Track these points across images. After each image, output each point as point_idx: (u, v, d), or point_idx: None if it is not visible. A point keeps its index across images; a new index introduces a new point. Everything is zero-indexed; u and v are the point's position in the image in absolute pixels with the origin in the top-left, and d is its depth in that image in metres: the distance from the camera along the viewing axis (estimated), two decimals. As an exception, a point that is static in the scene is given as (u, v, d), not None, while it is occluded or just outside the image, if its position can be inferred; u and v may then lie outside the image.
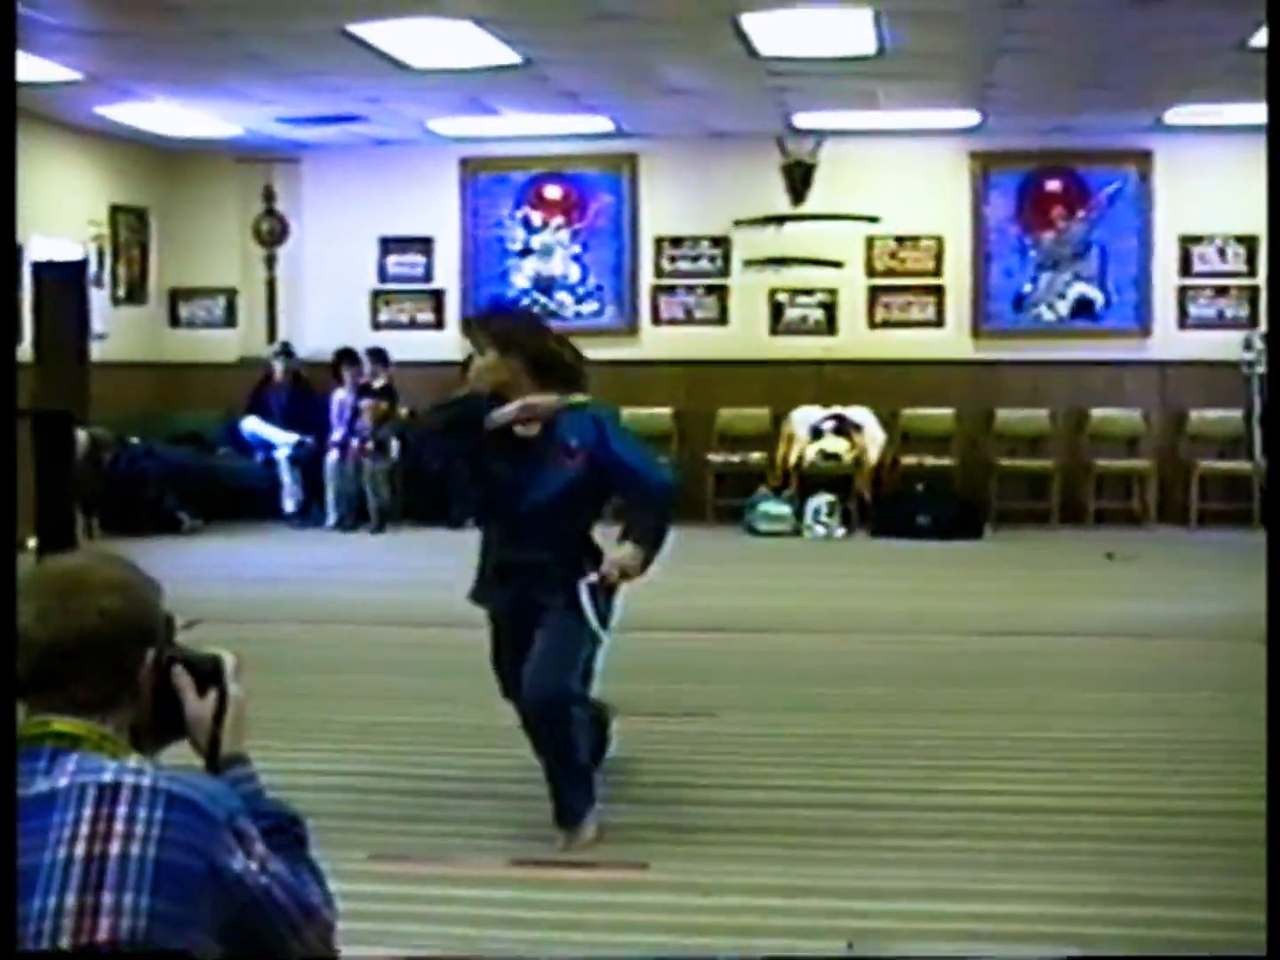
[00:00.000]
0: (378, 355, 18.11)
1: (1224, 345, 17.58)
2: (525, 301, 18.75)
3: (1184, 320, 18.14)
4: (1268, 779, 4.72)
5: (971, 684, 10.32)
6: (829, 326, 18.60)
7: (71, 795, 2.83)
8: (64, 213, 17.28)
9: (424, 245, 19.16)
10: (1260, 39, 12.38)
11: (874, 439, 17.84)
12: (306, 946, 3.02)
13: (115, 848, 2.78)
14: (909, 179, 18.27)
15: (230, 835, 2.88)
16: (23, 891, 2.76)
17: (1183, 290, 18.13)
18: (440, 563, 13.72)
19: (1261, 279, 17.77)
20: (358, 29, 12.30)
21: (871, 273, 18.54)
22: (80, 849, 2.78)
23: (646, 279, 18.89)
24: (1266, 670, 6.49)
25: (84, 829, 2.79)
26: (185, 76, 14.42)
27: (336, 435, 17.85)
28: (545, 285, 18.89)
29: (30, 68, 13.63)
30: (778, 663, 11.01)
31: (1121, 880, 6.53)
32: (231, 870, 2.87)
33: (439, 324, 19.01)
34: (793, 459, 17.86)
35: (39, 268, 16.66)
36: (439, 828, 7.38)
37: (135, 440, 17.52)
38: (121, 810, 2.81)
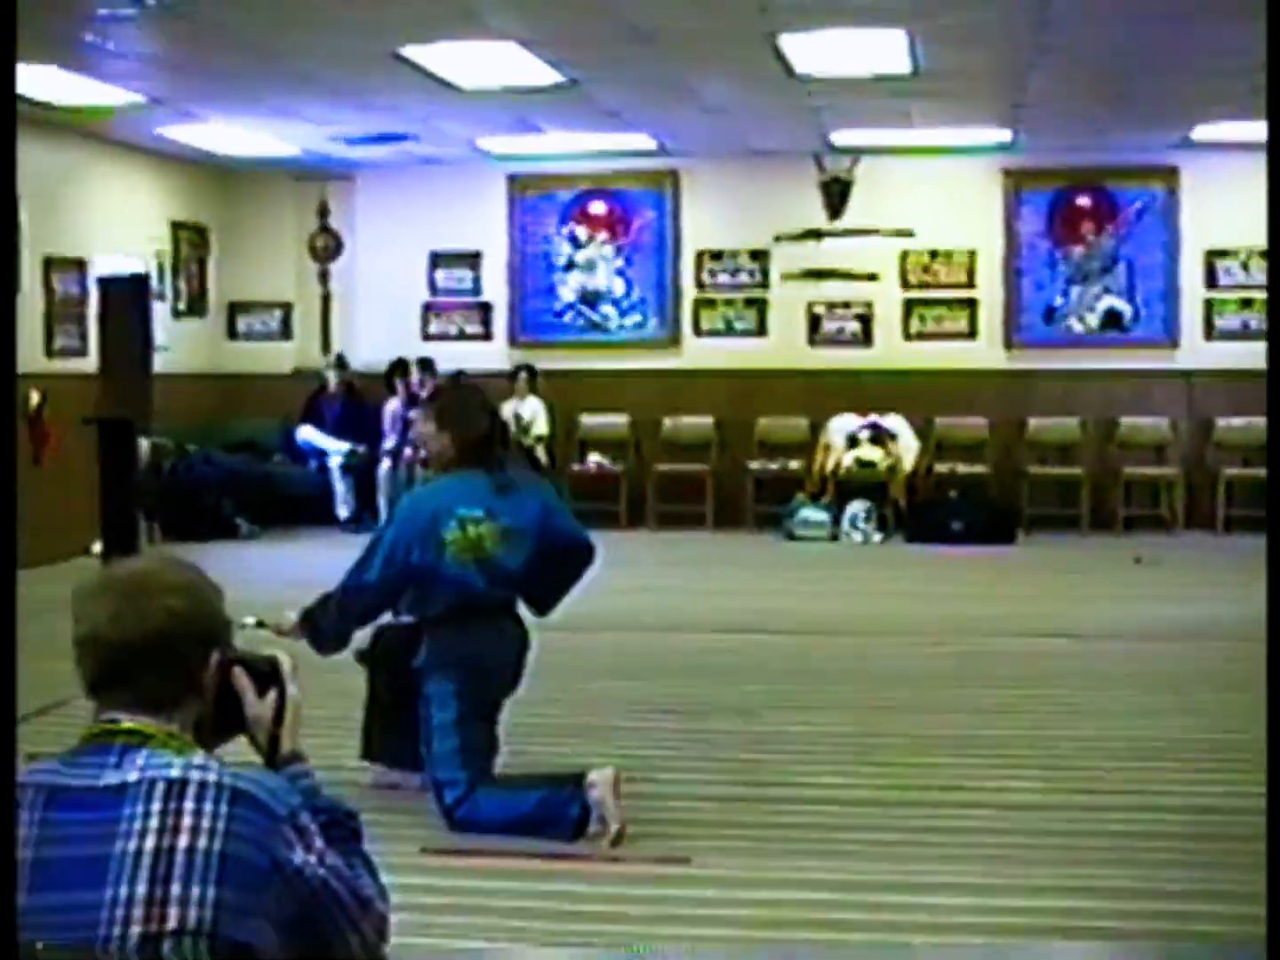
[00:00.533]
0: (425, 365, 18.13)
1: (1249, 355, 17.49)
2: (570, 315, 18.81)
3: (1210, 331, 18.10)
4: (1268, 778, 4.71)
5: (1003, 685, 10.31)
6: (865, 338, 18.60)
7: (141, 789, 2.85)
8: (128, 229, 17.35)
9: (473, 260, 19.19)
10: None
11: (909, 447, 17.83)
12: (362, 937, 3.03)
13: (183, 841, 2.80)
14: (943, 195, 18.26)
15: (291, 830, 2.90)
16: (92, 879, 2.79)
17: (1208, 303, 18.09)
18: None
19: None
20: (409, 52, 12.34)
21: (906, 286, 18.54)
22: (150, 842, 2.80)
23: (688, 292, 18.89)
24: (1266, 669, 6.46)
25: (153, 822, 2.82)
26: (243, 98, 14.47)
27: (389, 444, 17.88)
28: (590, 299, 18.91)
29: (96, 92, 13.72)
30: (815, 664, 11.02)
31: (1147, 875, 6.53)
32: (292, 864, 2.88)
33: (487, 336, 19.05)
34: (830, 466, 17.86)
35: (104, 282, 16.74)
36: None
37: (194, 448, 17.58)
38: (189, 805, 2.83)
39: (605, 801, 7.00)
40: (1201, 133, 16.41)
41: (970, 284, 18.43)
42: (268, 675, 3.26)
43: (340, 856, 3.02)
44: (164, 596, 3.02)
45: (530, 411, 18.11)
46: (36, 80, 13.24)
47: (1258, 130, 15.90)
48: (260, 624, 7.14)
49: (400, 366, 18.24)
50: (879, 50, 12.41)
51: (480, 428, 7.58)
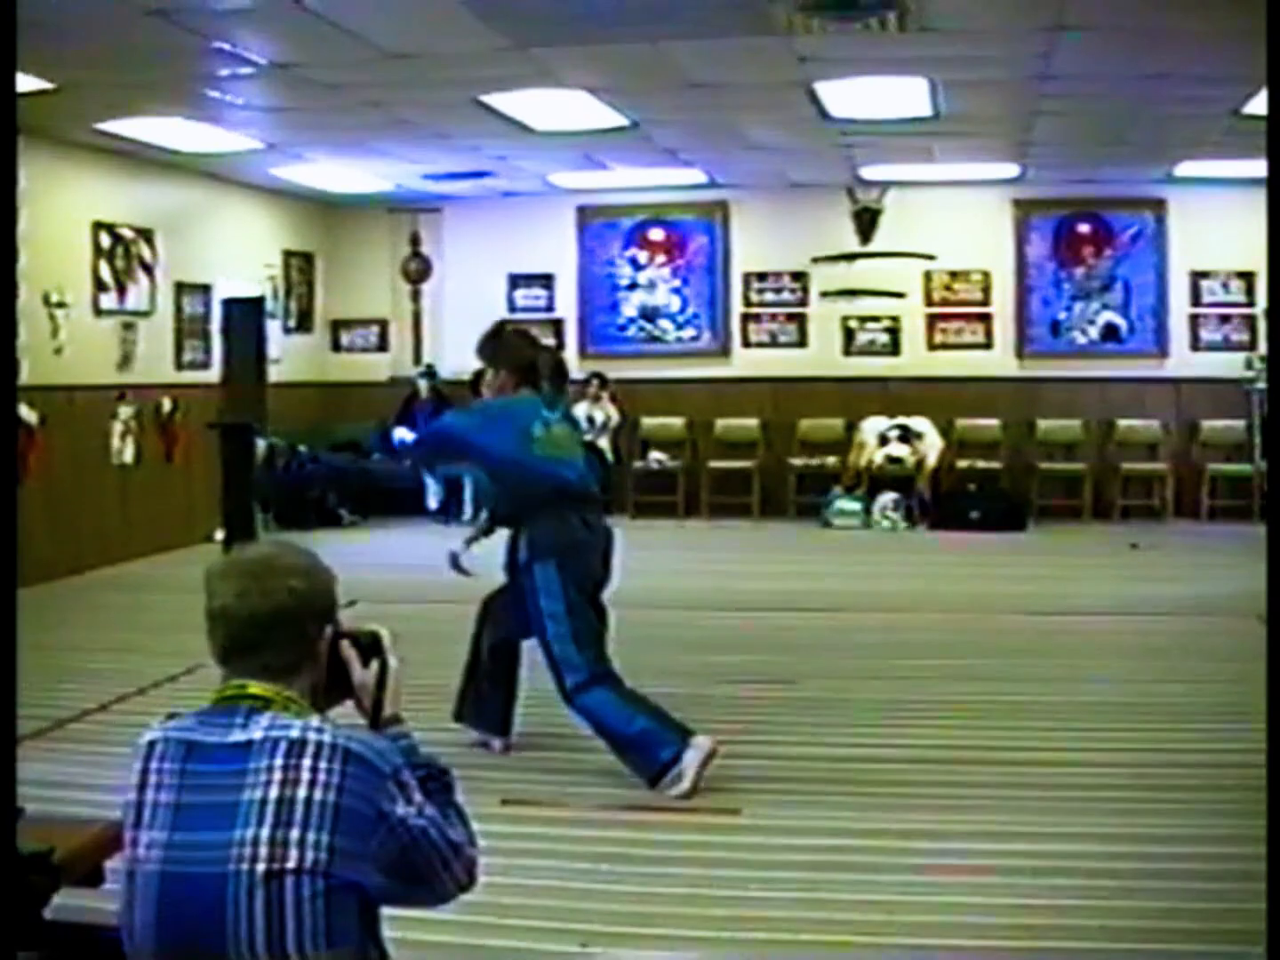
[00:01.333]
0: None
1: (1228, 365, 17.47)
2: (632, 329, 18.83)
3: (1195, 343, 18.00)
4: (1268, 778, 4.68)
5: (1015, 655, 10.29)
6: (893, 348, 18.55)
7: (265, 747, 2.91)
8: (246, 257, 17.42)
9: (546, 281, 19.21)
10: (1251, 106, 12.40)
11: (933, 445, 17.78)
12: (454, 876, 3.09)
13: (302, 793, 2.86)
14: (960, 222, 18.20)
15: (394, 785, 2.95)
16: (224, 822, 2.86)
17: (1194, 318, 18.00)
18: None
19: (1259, 309, 17.69)
20: (489, 99, 12.35)
21: (929, 302, 18.48)
22: (274, 792, 2.86)
23: (737, 308, 18.87)
24: (1267, 666, 6.43)
25: (276, 775, 2.88)
26: (345, 142, 14.51)
27: (473, 443, 17.87)
28: (650, 314, 18.91)
29: (219, 139, 13.80)
30: (850, 637, 11.00)
31: (1143, 823, 6.53)
32: (395, 814, 2.94)
33: (560, 348, 19.03)
34: (863, 462, 17.83)
35: (227, 304, 16.82)
36: (558, 777, 7.41)
37: (303, 448, 17.64)
38: (307, 762, 2.88)
39: (694, 765, 6.99)
40: (1185, 169, 16.36)
41: (986, 301, 18.37)
42: (371, 647, 3.28)
43: (436, 808, 3.06)
44: (286, 577, 3.06)
45: (602, 415, 18.10)
46: (168, 129, 13.33)
47: (1234, 168, 15.98)
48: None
49: (482, 375, 18.20)
50: (904, 96, 12.37)
51: (526, 356, 7.88)
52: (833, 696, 9.07)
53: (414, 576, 13.81)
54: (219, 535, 14.43)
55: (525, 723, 8.38)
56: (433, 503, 18.03)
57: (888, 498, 17.40)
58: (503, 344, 8.04)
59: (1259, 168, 15.72)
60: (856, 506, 17.47)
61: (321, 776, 2.87)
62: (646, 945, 5.27)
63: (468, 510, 17.76)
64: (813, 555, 15.49)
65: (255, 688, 3.01)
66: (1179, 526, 17.12)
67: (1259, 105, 12.29)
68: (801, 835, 6.42)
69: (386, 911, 3.12)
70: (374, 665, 3.27)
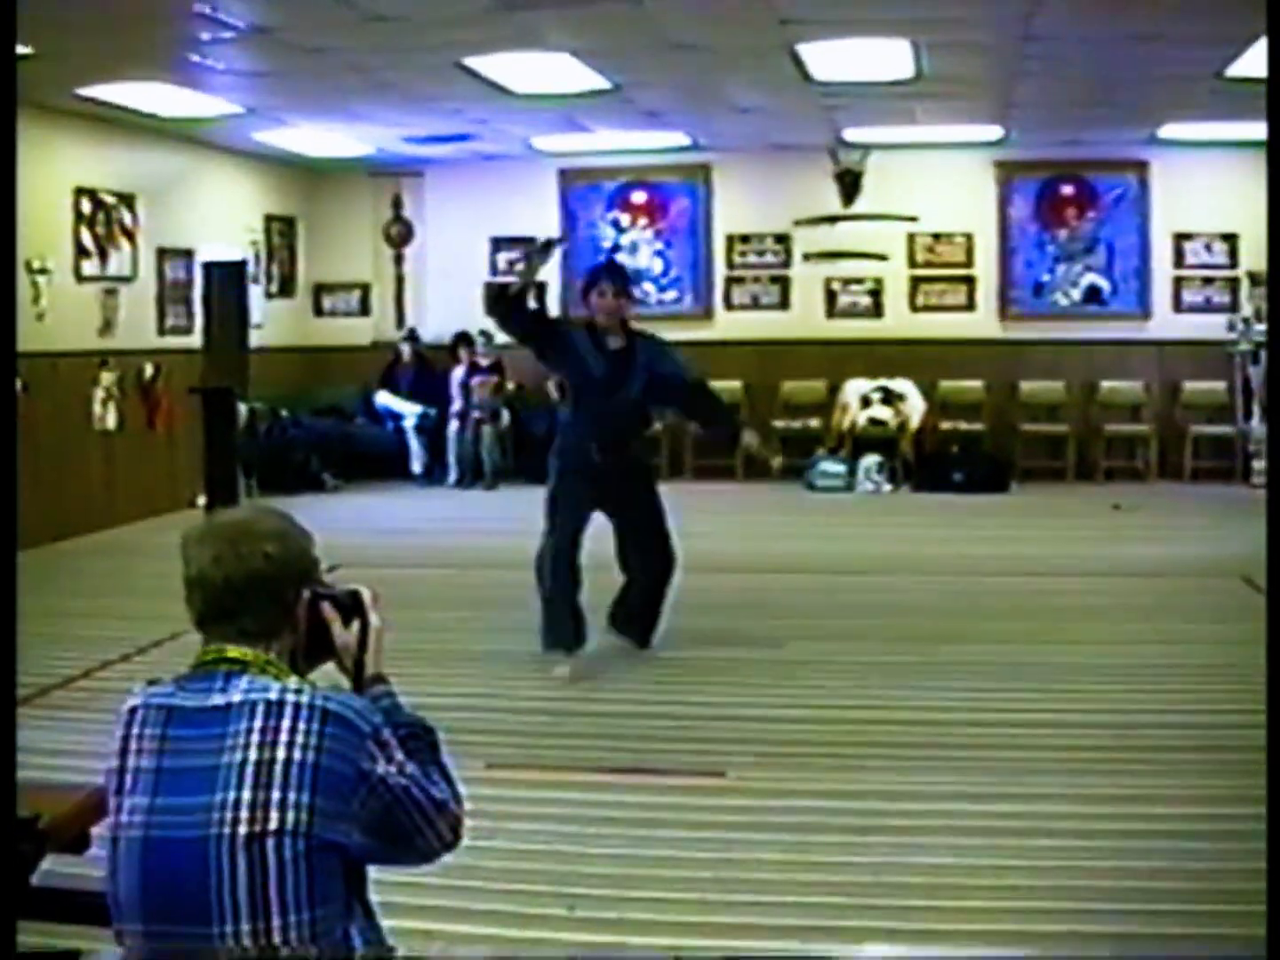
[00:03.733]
0: (486, 336, 18.18)
1: (1210, 327, 17.49)
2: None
3: (1178, 305, 18.01)
4: (1268, 778, 4.70)
5: (999, 617, 10.31)
6: (876, 310, 18.55)
7: (244, 709, 2.92)
8: (227, 222, 17.37)
9: (528, 244, 19.16)
10: (1235, 69, 12.39)
11: (916, 407, 17.78)
12: (438, 833, 3.09)
13: (281, 754, 2.87)
14: (943, 184, 18.19)
15: (374, 745, 2.96)
16: (205, 786, 2.87)
17: (1176, 280, 18.01)
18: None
19: (1241, 271, 17.71)
20: (471, 62, 12.31)
21: (912, 264, 18.47)
22: (253, 754, 2.87)
23: (719, 271, 18.86)
24: (1266, 664, 6.45)
25: (255, 738, 2.88)
26: (326, 105, 14.46)
27: (456, 406, 17.90)
28: (633, 277, 18.86)
29: (200, 104, 13.75)
30: (834, 599, 11.03)
31: (1127, 783, 6.56)
32: (376, 774, 2.94)
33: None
34: (846, 424, 17.83)
35: (208, 268, 16.77)
36: (544, 740, 7.44)
37: (286, 413, 17.60)
38: (285, 724, 2.89)
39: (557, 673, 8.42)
40: (1168, 131, 16.35)
41: (969, 263, 18.36)
42: (352, 607, 3.28)
43: (418, 766, 3.07)
44: (261, 542, 3.06)
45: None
46: (149, 94, 13.28)
47: (1217, 130, 16.02)
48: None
49: (464, 338, 18.26)
50: (886, 58, 12.34)
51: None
52: (817, 659, 9.09)
53: (396, 540, 13.85)
54: (201, 501, 14.40)
55: (510, 683, 8.42)
56: (416, 466, 18.03)
57: (871, 460, 17.40)
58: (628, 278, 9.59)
59: (1242, 130, 15.80)
60: (840, 469, 17.47)
61: (300, 738, 2.88)
62: (633, 908, 5.28)
63: (451, 474, 17.77)
64: (796, 518, 15.49)
65: (233, 651, 3.01)
66: (1162, 488, 17.15)
67: (1242, 67, 12.29)
68: (786, 797, 6.43)
69: (371, 875, 3.13)
70: (355, 625, 3.27)
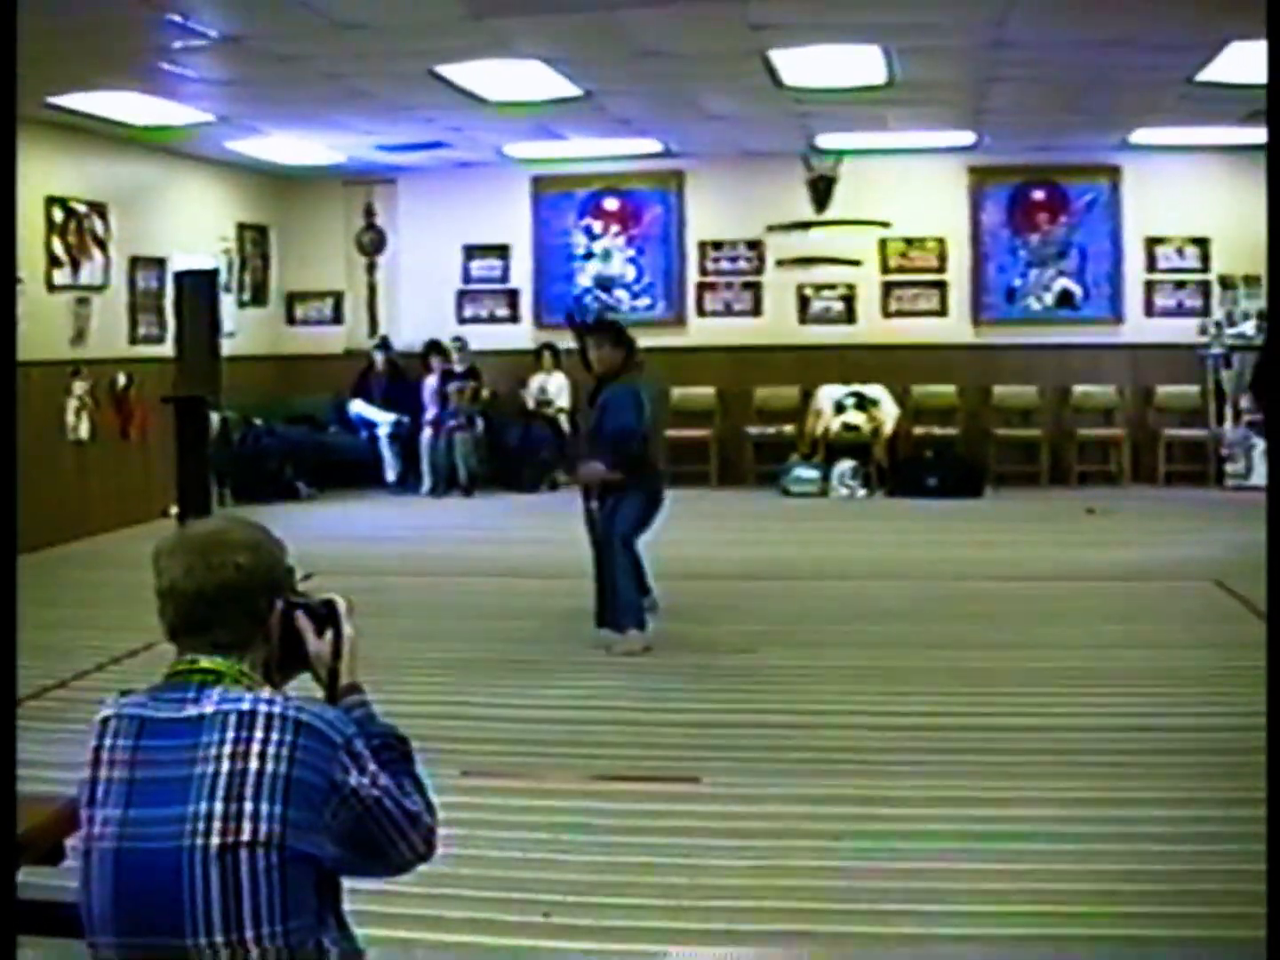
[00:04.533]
0: (460, 343, 18.20)
1: (1182, 331, 17.58)
2: (588, 299, 18.81)
3: (1150, 309, 18.07)
4: (1268, 775, 4.71)
5: (973, 621, 10.32)
6: (849, 316, 18.58)
7: (216, 720, 2.91)
8: (200, 230, 17.33)
9: (501, 252, 19.16)
10: (1206, 74, 12.44)
11: (889, 412, 17.80)
12: (411, 845, 3.08)
13: (254, 765, 2.86)
14: (915, 190, 18.21)
15: (347, 756, 2.95)
16: (178, 797, 2.86)
17: (1149, 284, 18.07)
18: (519, 522, 13.71)
19: (1213, 275, 17.82)
20: (443, 70, 12.30)
21: (885, 270, 18.49)
22: (225, 765, 2.86)
23: (692, 277, 18.86)
24: (1267, 664, 6.47)
25: (227, 749, 2.87)
26: (298, 114, 14.44)
27: (429, 414, 17.89)
28: (605, 284, 18.89)
29: (172, 113, 13.72)
30: (808, 605, 11.03)
31: (1101, 786, 6.57)
32: (348, 785, 2.93)
33: (514, 319, 19.03)
34: (819, 430, 17.84)
35: (180, 277, 16.72)
36: (518, 748, 7.42)
37: (259, 421, 17.57)
38: (258, 734, 2.88)
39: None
40: (1139, 136, 16.39)
41: (941, 268, 18.40)
42: (326, 616, 3.28)
43: (391, 777, 3.06)
44: (233, 553, 3.05)
45: (555, 386, 18.13)
46: (121, 104, 13.26)
47: (1189, 135, 16.07)
48: None
49: (436, 347, 18.25)
50: (858, 64, 12.35)
51: (633, 345, 9.82)
52: (791, 664, 9.09)
53: (371, 548, 13.83)
54: (174, 510, 14.36)
55: (484, 691, 8.41)
56: (390, 474, 18.02)
57: (845, 465, 17.41)
58: (624, 332, 9.95)
59: (1214, 135, 15.86)
60: (814, 474, 17.49)
61: (272, 749, 2.87)
62: (608, 914, 5.28)
63: (425, 482, 17.76)
64: (771, 523, 15.50)
65: (206, 663, 3.01)
66: (1135, 491, 17.19)
67: (1213, 72, 12.34)
68: (762, 803, 6.44)
69: (345, 884, 3.12)
70: (329, 635, 3.26)
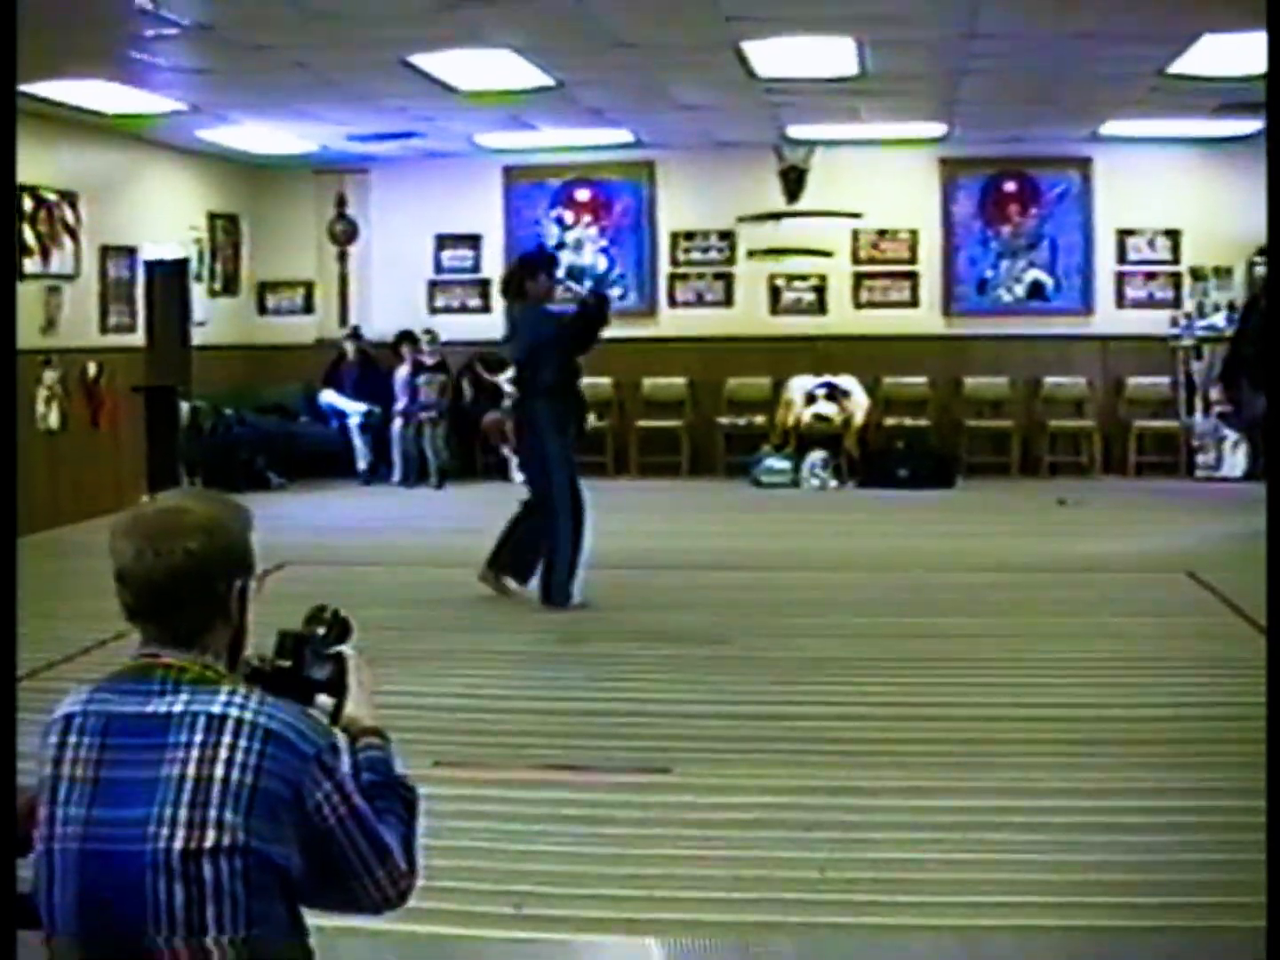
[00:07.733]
0: (431, 335, 18.19)
1: (1153, 323, 17.63)
2: (559, 290, 18.80)
3: (1121, 301, 18.11)
4: (1268, 775, 4.71)
5: (946, 612, 10.32)
6: (820, 307, 18.58)
7: (185, 722, 2.83)
8: (170, 220, 17.27)
9: (473, 242, 19.13)
10: (1177, 66, 12.48)
11: (860, 404, 17.80)
12: (376, 883, 2.98)
13: (219, 771, 2.79)
14: (887, 181, 18.21)
15: (316, 768, 2.86)
16: (143, 798, 2.80)
17: (1119, 276, 18.11)
18: (490, 512, 13.65)
19: (1184, 267, 17.88)
20: (415, 59, 12.27)
21: (857, 261, 18.50)
22: (191, 770, 2.79)
23: (664, 268, 18.86)
24: (1267, 663, 6.48)
25: (194, 753, 2.80)
26: (270, 103, 14.40)
27: (400, 405, 17.87)
28: (577, 274, 18.85)
29: (143, 101, 13.68)
30: (781, 595, 11.02)
31: (1070, 776, 6.57)
32: (314, 798, 2.85)
33: (486, 309, 18.96)
34: (791, 421, 17.83)
35: (150, 266, 16.67)
36: (490, 738, 7.41)
37: (230, 411, 17.52)
38: (226, 740, 2.81)
39: None
40: (1110, 128, 16.44)
41: (913, 259, 18.41)
42: (334, 658, 3.27)
43: (374, 809, 2.98)
44: (183, 538, 2.92)
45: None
46: (92, 92, 13.21)
47: (1160, 127, 16.13)
48: None
49: (407, 337, 18.22)
50: (830, 55, 12.36)
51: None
52: (763, 655, 9.08)
53: (341, 539, 13.81)
54: (145, 499, 14.31)
55: (454, 682, 8.39)
56: (361, 464, 17.98)
57: (816, 456, 17.42)
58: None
59: (1184, 127, 15.91)
60: (785, 465, 17.48)
61: (240, 756, 2.80)
62: (580, 906, 5.26)
63: (396, 472, 17.73)
64: (742, 514, 15.49)
65: (168, 657, 2.93)
66: (1106, 483, 17.22)
67: (1184, 65, 12.36)
68: (732, 794, 6.42)
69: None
70: (328, 667, 3.26)
